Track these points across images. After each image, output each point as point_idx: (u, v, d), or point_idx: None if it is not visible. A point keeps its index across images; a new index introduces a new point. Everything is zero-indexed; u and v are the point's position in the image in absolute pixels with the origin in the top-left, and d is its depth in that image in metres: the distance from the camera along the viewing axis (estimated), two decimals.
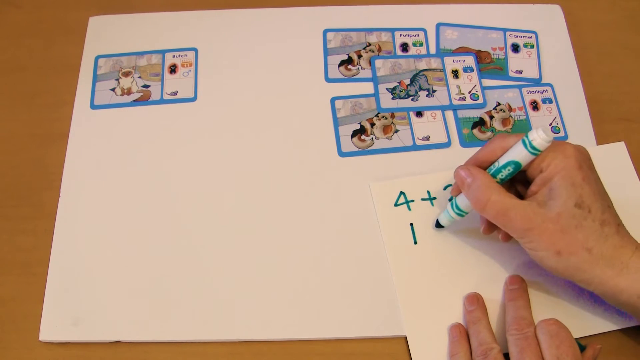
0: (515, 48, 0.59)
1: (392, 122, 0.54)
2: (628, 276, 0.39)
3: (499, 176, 0.42)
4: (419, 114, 0.55)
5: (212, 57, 0.58)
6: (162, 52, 0.58)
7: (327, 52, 0.58)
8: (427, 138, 0.54)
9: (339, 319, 0.46)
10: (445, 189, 0.51)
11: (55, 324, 0.46)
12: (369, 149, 0.53)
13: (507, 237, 0.44)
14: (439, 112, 0.55)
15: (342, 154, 0.53)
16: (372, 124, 0.54)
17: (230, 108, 0.55)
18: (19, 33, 0.60)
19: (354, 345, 0.46)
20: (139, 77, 0.57)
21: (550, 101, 0.56)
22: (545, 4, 0.61)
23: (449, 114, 0.55)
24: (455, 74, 0.57)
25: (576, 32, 0.60)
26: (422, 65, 0.57)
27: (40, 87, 0.57)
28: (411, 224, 0.49)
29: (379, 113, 0.55)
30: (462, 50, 0.58)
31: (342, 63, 0.58)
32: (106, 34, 0.59)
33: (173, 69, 0.58)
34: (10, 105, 0.56)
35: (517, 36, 0.59)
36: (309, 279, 0.48)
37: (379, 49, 0.58)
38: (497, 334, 0.44)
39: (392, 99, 0.56)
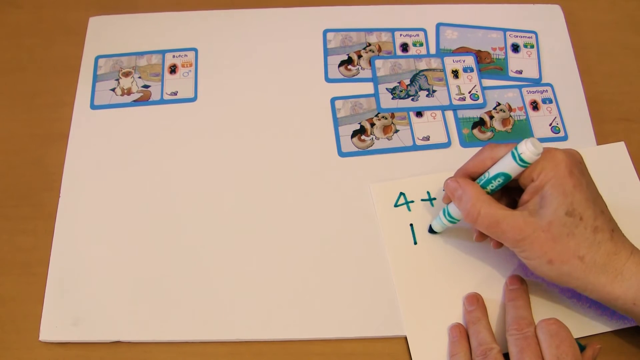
0: (515, 48, 0.59)
1: (392, 122, 0.54)
2: (622, 283, 0.39)
3: (489, 187, 0.41)
4: (419, 114, 0.55)
5: (212, 57, 0.58)
6: (162, 52, 0.58)
7: (327, 52, 0.58)
8: (427, 138, 0.54)
9: (339, 319, 0.46)
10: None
11: (55, 324, 0.46)
12: (369, 149, 0.53)
13: (499, 245, 0.44)
14: (439, 112, 0.55)
15: (342, 154, 0.53)
16: (372, 124, 0.54)
17: (230, 108, 0.55)
18: (19, 33, 0.60)
19: (354, 345, 0.46)
20: (139, 77, 0.57)
21: (550, 101, 0.56)
22: (545, 4, 0.61)
23: (449, 114, 0.55)
24: (455, 74, 0.57)
25: (576, 32, 0.60)
26: (422, 65, 0.57)
27: (40, 87, 0.57)
28: (411, 225, 0.49)
29: (379, 113, 0.55)
30: (462, 50, 0.58)
31: (342, 63, 0.58)
32: (106, 34, 0.59)
33: (173, 69, 0.57)
34: (10, 105, 0.56)
35: (517, 36, 0.59)
36: (309, 279, 0.48)
37: (379, 49, 0.58)
38: (497, 334, 0.44)
39: (392, 99, 0.56)
